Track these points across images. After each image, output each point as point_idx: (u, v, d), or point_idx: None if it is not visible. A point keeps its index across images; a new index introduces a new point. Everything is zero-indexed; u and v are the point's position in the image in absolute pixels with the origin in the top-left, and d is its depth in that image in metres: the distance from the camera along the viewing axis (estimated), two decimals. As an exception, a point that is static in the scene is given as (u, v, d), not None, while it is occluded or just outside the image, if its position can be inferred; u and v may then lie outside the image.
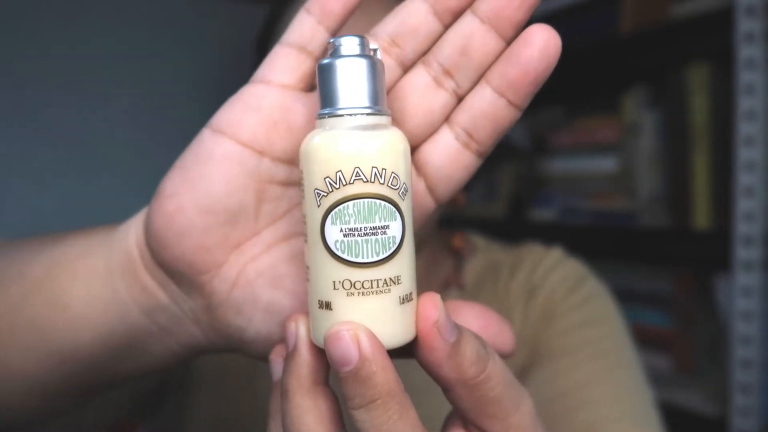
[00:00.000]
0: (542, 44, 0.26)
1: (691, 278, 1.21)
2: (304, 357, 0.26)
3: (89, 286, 0.31)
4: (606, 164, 1.28)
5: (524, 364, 0.55)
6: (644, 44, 1.19)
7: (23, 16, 1.38)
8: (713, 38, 1.10)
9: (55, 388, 0.34)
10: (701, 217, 1.12)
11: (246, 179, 0.28)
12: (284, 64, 0.29)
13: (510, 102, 0.28)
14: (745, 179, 1.00)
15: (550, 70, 0.27)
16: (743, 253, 1.00)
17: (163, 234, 0.29)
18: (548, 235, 1.42)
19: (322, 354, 0.26)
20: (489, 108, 0.28)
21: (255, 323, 0.30)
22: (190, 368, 0.56)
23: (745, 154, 1.00)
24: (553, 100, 1.45)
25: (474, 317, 0.31)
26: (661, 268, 1.25)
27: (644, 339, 1.25)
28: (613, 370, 0.53)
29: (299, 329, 0.26)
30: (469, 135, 0.29)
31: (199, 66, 1.59)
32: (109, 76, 1.47)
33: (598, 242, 1.33)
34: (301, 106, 0.29)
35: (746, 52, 0.98)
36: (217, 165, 0.28)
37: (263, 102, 0.28)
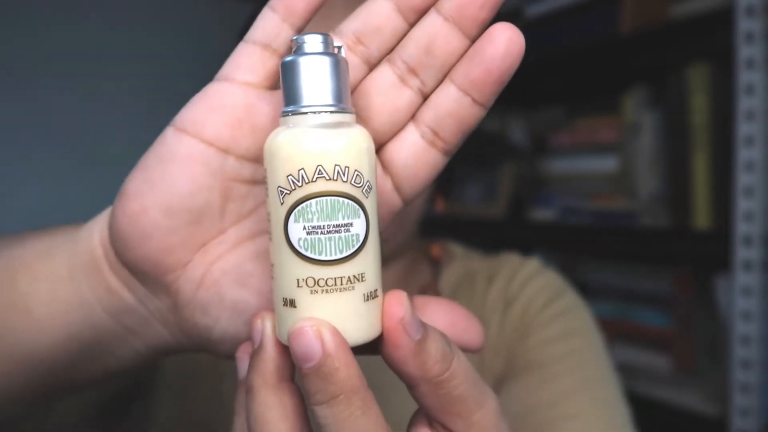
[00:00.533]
0: (506, 43, 0.26)
1: (691, 278, 1.20)
2: (270, 353, 0.26)
3: (51, 287, 0.31)
4: (606, 164, 1.28)
5: (501, 375, 0.55)
6: (644, 44, 1.19)
7: (25, 15, 1.39)
8: (713, 38, 1.10)
9: (13, 393, 0.33)
10: (701, 217, 1.11)
11: (210, 178, 0.28)
12: (248, 62, 0.28)
13: (474, 100, 0.28)
14: (745, 179, 0.99)
15: (514, 69, 0.27)
16: (743, 253, 1.00)
17: (127, 234, 0.28)
18: (548, 235, 1.43)
19: (287, 351, 0.26)
20: (454, 106, 0.28)
21: (221, 322, 0.30)
22: (156, 371, 0.56)
23: (745, 154, 0.99)
24: (553, 100, 1.45)
25: (442, 313, 0.31)
26: (661, 268, 1.25)
27: (644, 339, 1.25)
28: (592, 383, 0.52)
29: (265, 326, 0.26)
30: (435, 133, 0.29)
31: (201, 66, 1.59)
32: (110, 76, 1.48)
33: (598, 242, 1.32)
34: (265, 104, 0.29)
35: (746, 52, 0.98)
36: (180, 164, 0.28)
37: (227, 100, 0.28)
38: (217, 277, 0.29)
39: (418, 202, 0.55)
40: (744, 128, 0.99)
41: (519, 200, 1.47)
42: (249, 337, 0.29)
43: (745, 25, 0.98)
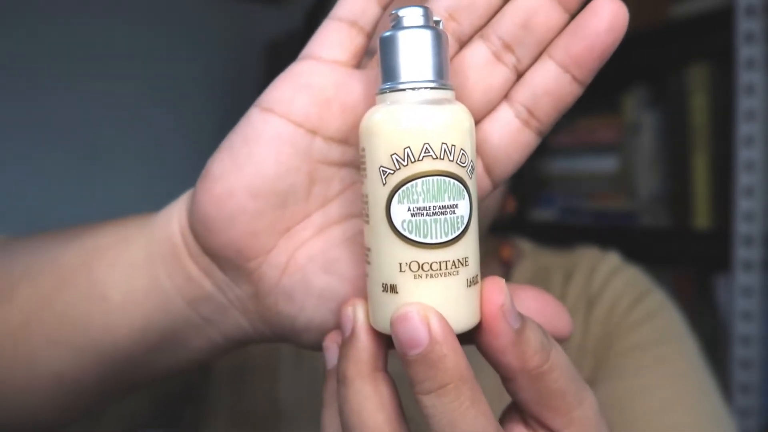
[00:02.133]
0: (610, 17, 0.25)
1: (691, 278, 1.21)
2: (363, 342, 0.24)
3: (128, 275, 0.30)
4: (606, 164, 1.28)
5: (587, 380, 0.52)
6: (644, 44, 1.19)
7: (25, 15, 1.37)
8: (713, 38, 1.10)
9: (86, 387, 0.32)
10: (701, 217, 1.12)
11: (298, 160, 0.27)
12: (335, 39, 0.27)
13: (574, 78, 0.27)
14: (745, 179, 1.00)
15: (617, 44, 0.26)
16: (743, 253, 1.00)
17: (211, 218, 0.27)
18: (548, 235, 1.42)
19: (381, 339, 0.25)
20: (552, 84, 0.27)
21: (307, 311, 0.29)
22: (209, 373, 0.54)
23: (745, 154, 1.00)
24: (553, 100, 1.45)
25: (530, 300, 0.30)
26: (661, 268, 1.25)
27: (644, 339, 1.25)
28: (690, 394, 0.48)
29: (357, 314, 0.25)
30: (530, 112, 0.28)
31: (201, 65, 1.58)
32: (110, 76, 1.47)
33: (598, 242, 1.32)
34: (355, 82, 0.27)
35: (746, 52, 0.98)
36: (267, 145, 0.27)
37: (314, 79, 0.27)
38: (302, 264, 0.28)
39: (497, 198, 0.52)
40: (744, 128, 0.99)
41: (519, 200, 1.47)
42: (336, 326, 0.28)
43: (745, 25, 0.98)
